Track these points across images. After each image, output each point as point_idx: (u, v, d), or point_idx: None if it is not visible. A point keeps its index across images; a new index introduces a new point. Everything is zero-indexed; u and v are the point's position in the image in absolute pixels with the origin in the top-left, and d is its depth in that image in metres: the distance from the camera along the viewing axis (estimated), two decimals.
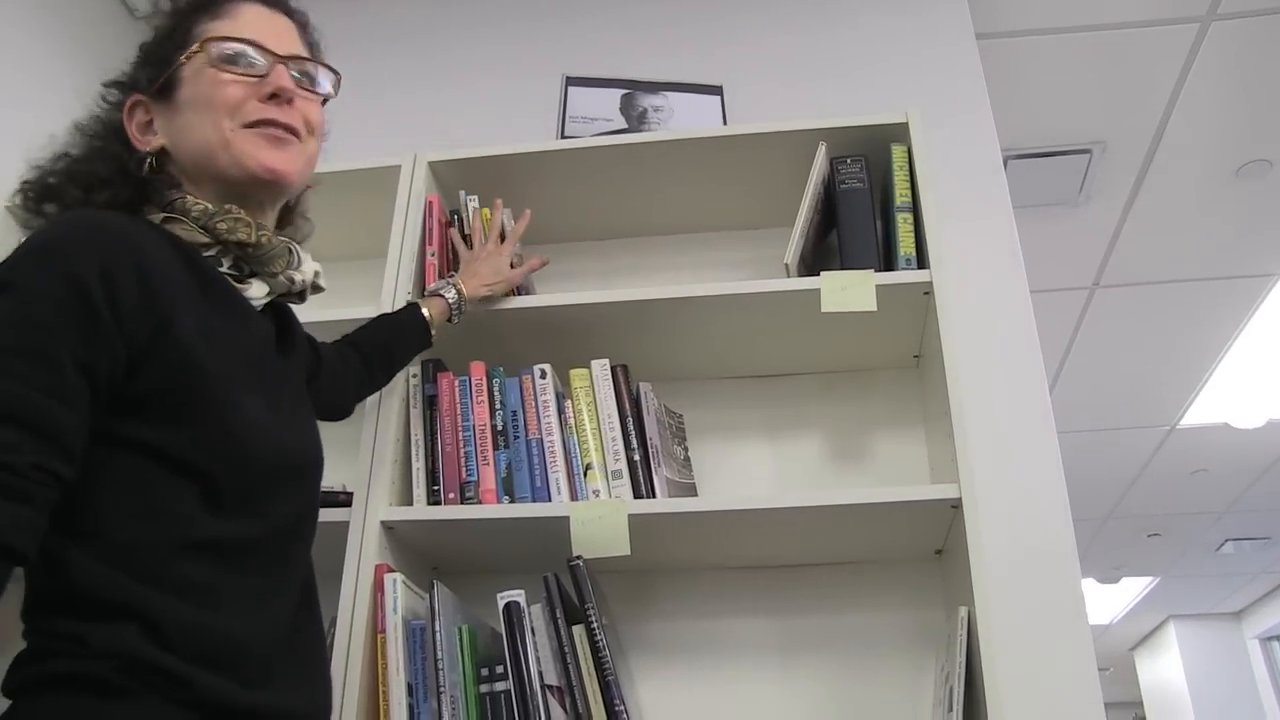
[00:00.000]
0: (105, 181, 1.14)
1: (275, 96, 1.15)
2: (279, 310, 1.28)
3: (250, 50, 1.15)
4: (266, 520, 1.07)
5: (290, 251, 1.20)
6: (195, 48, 1.15)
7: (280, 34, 1.20)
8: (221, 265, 1.14)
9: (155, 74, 1.18)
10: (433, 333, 1.71)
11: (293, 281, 1.20)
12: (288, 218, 1.32)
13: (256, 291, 1.17)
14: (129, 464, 0.98)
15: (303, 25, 1.27)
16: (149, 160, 1.16)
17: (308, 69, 1.22)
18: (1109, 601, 8.56)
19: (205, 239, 1.12)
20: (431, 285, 1.79)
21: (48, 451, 0.89)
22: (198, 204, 1.13)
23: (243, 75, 1.14)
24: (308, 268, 1.24)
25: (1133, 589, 8.28)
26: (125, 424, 0.98)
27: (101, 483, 0.97)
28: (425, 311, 1.69)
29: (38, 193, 1.17)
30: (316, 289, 1.27)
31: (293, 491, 1.13)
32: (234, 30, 1.16)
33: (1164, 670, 9.09)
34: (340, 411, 1.61)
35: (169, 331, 1.00)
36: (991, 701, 1.42)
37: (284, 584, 1.11)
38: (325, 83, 1.24)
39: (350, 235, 2.22)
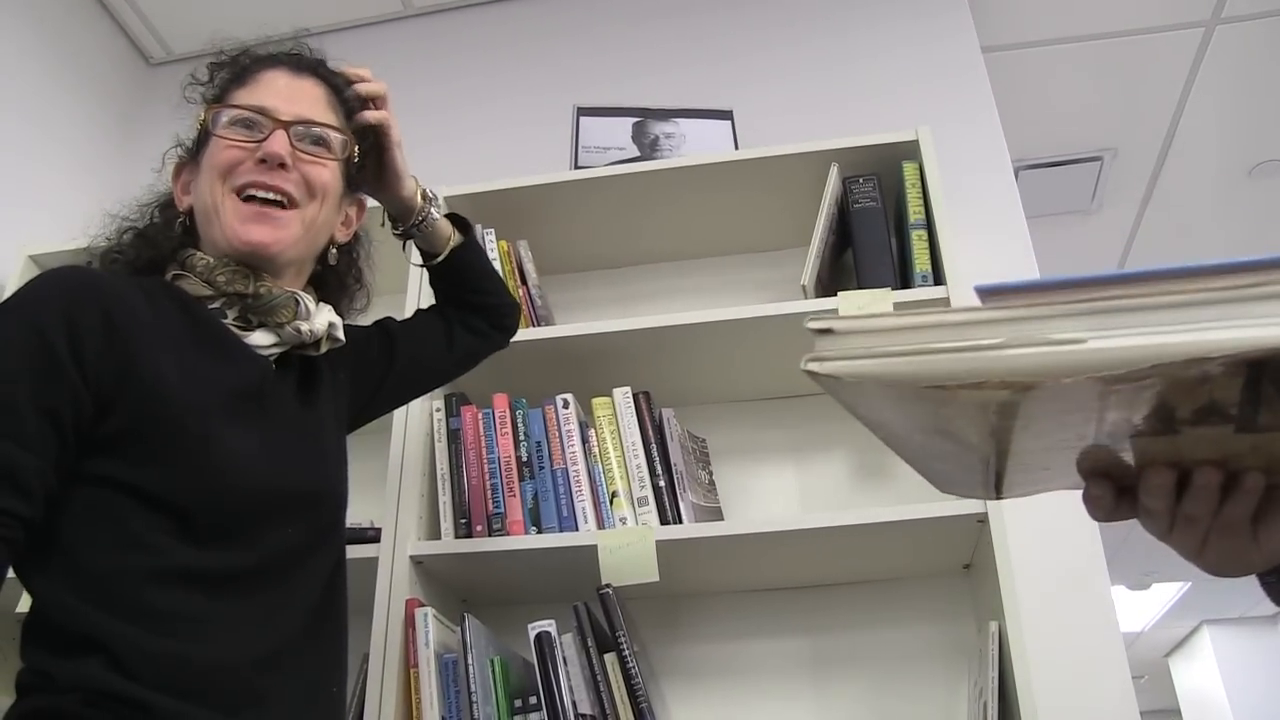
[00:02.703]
0: (137, 249, 1.22)
1: (265, 161, 1.16)
2: (306, 364, 1.28)
3: (251, 116, 1.18)
4: (255, 551, 1.07)
5: (297, 303, 1.19)
6: (205, 115, 1.21)
7: (296, 97, 1.21)
8: (226, 316, 1.16)
9: (194, 138, 1.25)
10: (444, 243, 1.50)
11: (300, 332, 1.19)
12: (330, 278, 1.34)
13: (261, 339, 1.18)
14: (102, 499, 1.01)
15: (336, 88, 1.28)
16: (181, 219, 1.23)
17: (314, 131, 1.21)
18: (1141, 608, 8.48)
19: (208, 291, 1.16)
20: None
21: (4, 492, 0.94)
22: (202, 259, 1.17)
23: (241, 140, 1.17)
24: (321, 320, 1.23)
25: (1164, 595, 8.20)
26: (98, 463, 1.01)
27: (75, 518, 1.00)
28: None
29: (103, 264, 1.24)
30: (334, 340, 1.26)
31: (286, 522, 1.12)
32: (251, 98, 1.19)
33: (1200, 677, 8.99)
34: (459, 353, 1.53)
35: (136, 373, 1.03)
36: (1026, 716, 1.41)
37: (282, 611, 1.10)
38: (334, 143, 1.23)
39: (369, 271, 2.24)
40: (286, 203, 1.17)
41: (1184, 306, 0.49)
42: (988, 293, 0.53)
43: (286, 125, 1.18)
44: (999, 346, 0.51)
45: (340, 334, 1.27)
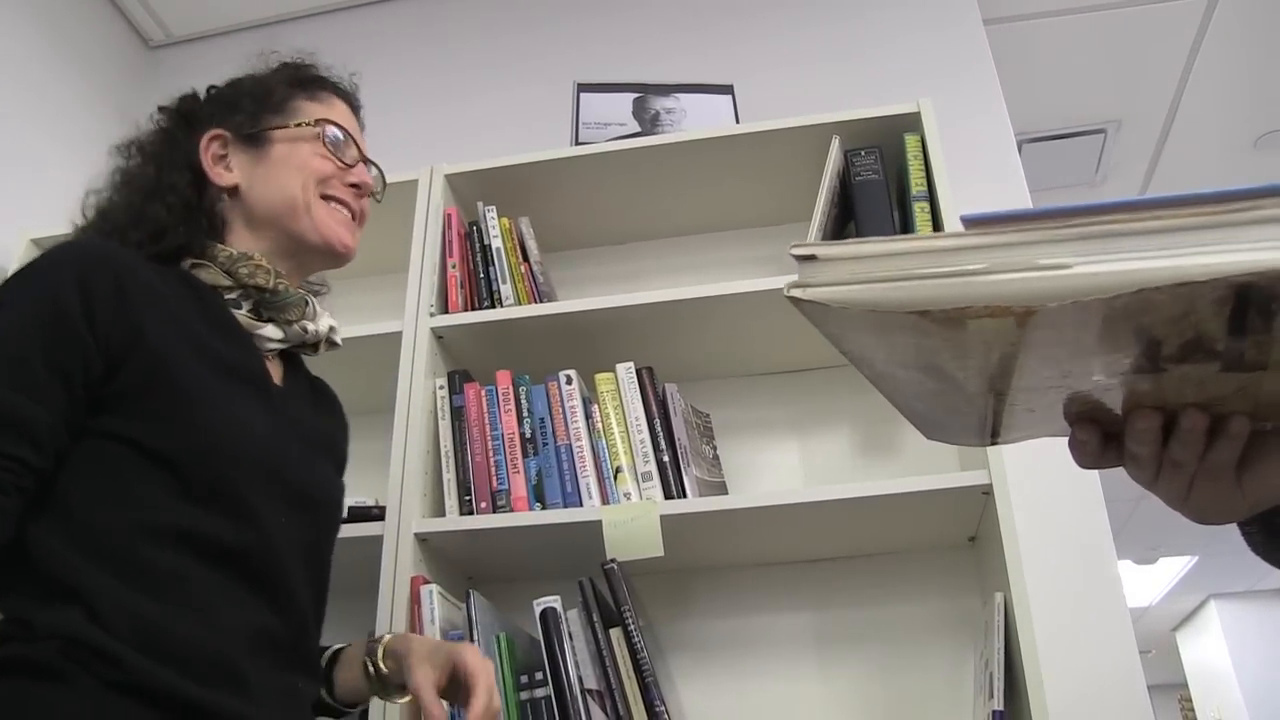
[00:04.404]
0: (163, 230, 1.20)
1: (356, 187, 1.30)
2: (316, 386, 1.38)
3: (345, 139, 1.31)
4: (253, 528, 1.07)
5: (307, 303, 1.27)
6: (311, 122, 1.29)
7: (359, 136, 1.36)
8: (241, 308, 1.21)
9: (245, 121, 1.28)
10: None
11: (305, 331, 1.26)
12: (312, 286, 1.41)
13: (270, 333, 1.22)
14: (102, 452, 1.03)
15: (362, 127, 1.40)
16: (222, 197, 1.26)
17: (377, 173, 1.38)
18: (1148, 583, 8.49)
19: (227, 282, 1.20)
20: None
21: (14, 440, 0.97)
22: (225, 250, 1.21)
23: (334, 156, 1.29)
24: (324, 322, 1.31)
25: (1171, 569, 8.21)
26: (103, 420, 1.04)
27: (74, 470, 1.02)
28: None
29: (100, 233, 1.23)
30: (332, 345, 1.34)
31: (283, 509, 1.12)
32: (333, 117, 1.31)
33: (1207, 650, 9.01)
34: None
35: (145, 338, 1.06)
36: (1032, 687, 1.42)
37: (277, 600, 1.10)
38: (379, 185, 1.40)
39: (370, 251, 2.22)
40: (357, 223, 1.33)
41: (1171, 232, 0.49)
42: (973, 221, 0.52)
43: (366, 161, 1.35)
44: (984, 272, 0.51)
45: (338, 339, 1.35)
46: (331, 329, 1.32)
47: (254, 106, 1.29)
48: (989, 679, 1.49)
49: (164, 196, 1.22)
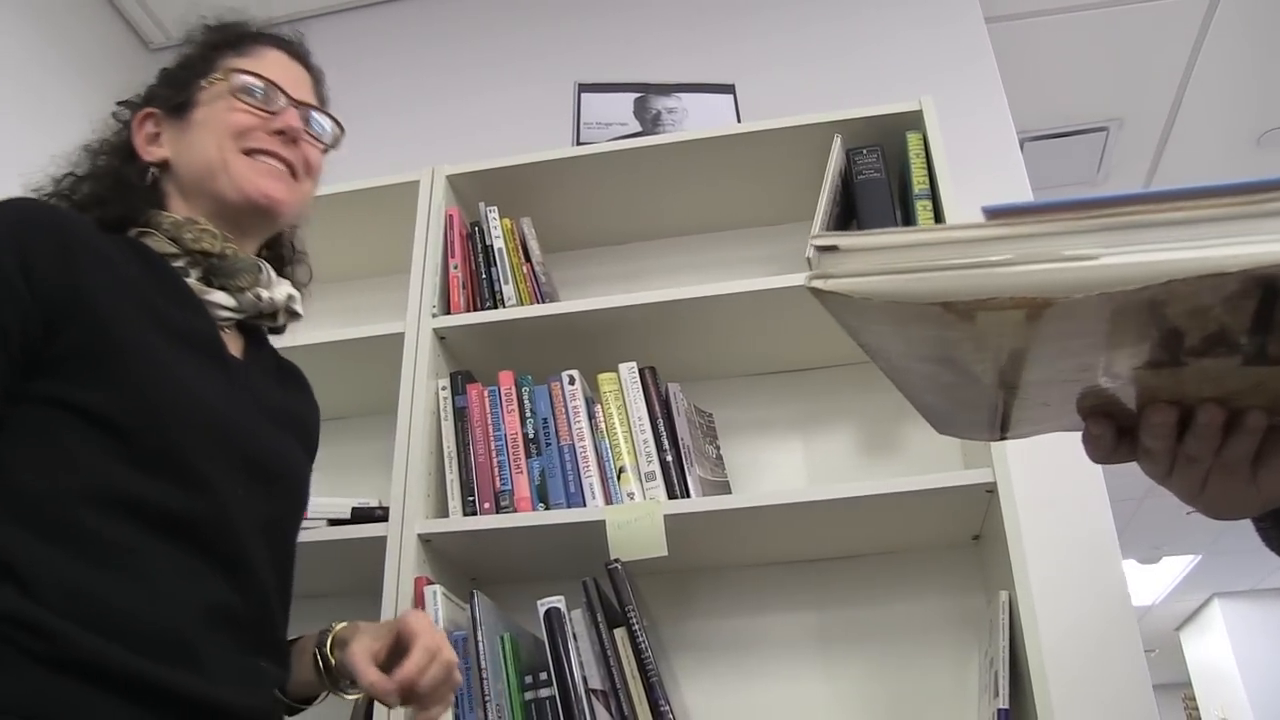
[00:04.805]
0: (100, 200, 1.18)
1: (282, 134, 1.21)
2: (284, 366, 1.31)
3: (266, 87, 1.22)
4: (204, 497, 1.01)
5: (260, 269, 1.21)
6: (219, 75, 1.22)
7: (296, 82, 1.27)
8: (189, 275, 1.15)
9: (173, 93, 1.23)
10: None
11: (260, 299, 1.19)
12: (277, 259, 1.33)
13: (220, 299, 1.16)
14: (42, 418, 0.97)
15: (318, 80, 1.33)
16: (150, 171, 1.21)
17: (317, 116, 1.28)
18: (1151, 582, 8.49)
19: (173, 249, 1.15)
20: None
21: None
22: (169, 217, 1.16)
23: (257, 108, 1.21)
24: (281, 290, 1.24)
25: (1174, 568, 8.21)
26: (43, 384, 0.98)
27: (11, 436, 0.97)
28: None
29: None
30: (293, 315, 1.27)
31: (238, 480, 1.06)
32: (257, 68, 1.23)
33: (1211, 649, 9.00)
34: None
35: (88, 298, 1.01)
36: (1037, 685, 1.41)
37: (236, 575, 1.03)
38: (329, 133, 1.30)
39: (372, 252, 2.25)
40: (292, 175, 1.23)
41: (1199, 223, 0.48)
42: (996, 212, 0.52)
43: (298, 104, 1.24)
44: (1009, 263, 0.50)
45: (299, 308, 1.28)
46: (291, 298, 1.25)
47: (183, 75, 1.24)
48: (994, 677, 1.49)
49: (98, 178, 1.20)
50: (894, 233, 0.54)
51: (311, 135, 1.27)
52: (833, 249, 0.54)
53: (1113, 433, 0.65)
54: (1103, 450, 0.66)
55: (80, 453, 0.96)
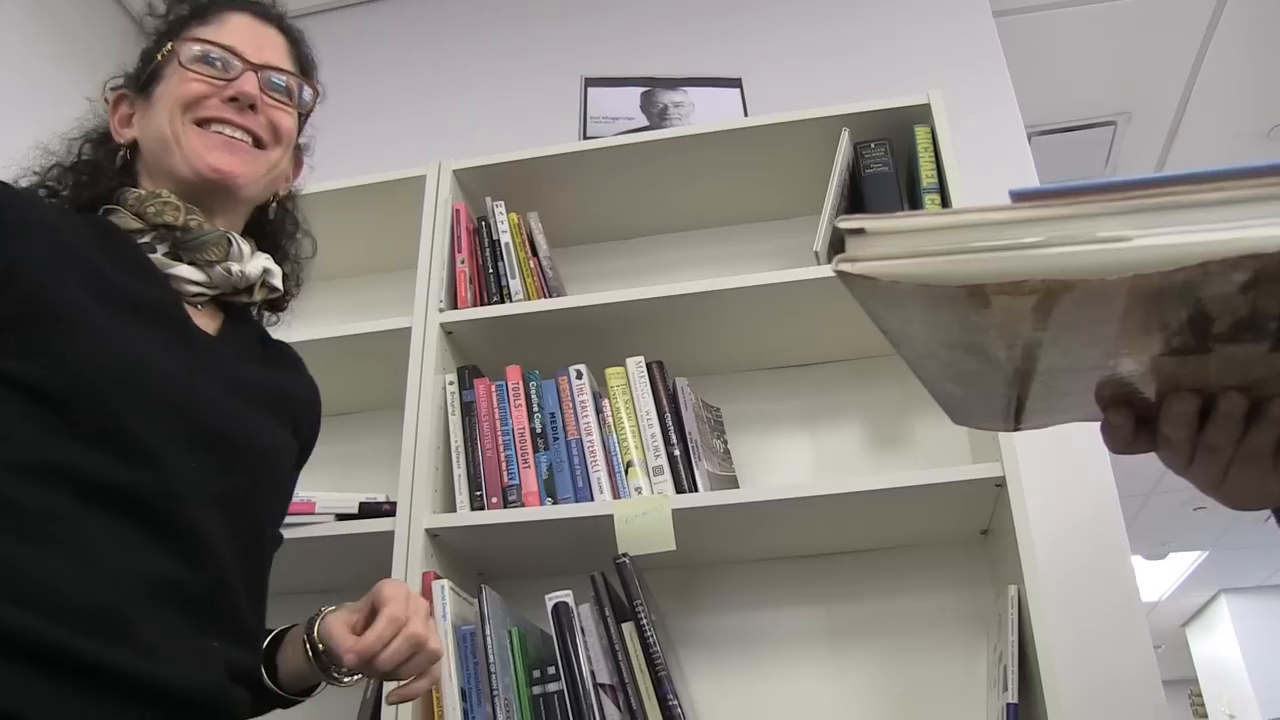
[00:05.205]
0: (75, 185, 1.16)
1: (235, 100, 1.15)
2: (271, 345, 1.27)
3: (222, 54, 1.16)
4: (149, 469, 0.96)
5: (230, 242, 1.16)
6: (169, 47, 1.17)
7: (262, 45, 1.21)
8: (155, 251, 1.12)
9: (142, 71, 1.20)
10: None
11: (230, 273, 1.15)
12: (268, 234, 1.30)
13: (187, 274, 1.13)
14: None
15: (295, 41, 1.27)
16: (122, 153, 1.18)
17: (281, 79, 1.22)
18: (1157, 578, 8.47)
19: (138, 224, 1.12)
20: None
21: None
22: (134, 192, 1.14)
23: (208, 76, 1.15)
24: (255, 264, 1.19)
25: (1181, 564, 8.19)
26: None
27: None
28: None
29: None
30: (271, 290, 1.23)
31: (190, 453, 1.01)
32: (215, 36, 1.17)
33: (1218, 646, 8.99)
34: None
35: (25, 268, 0.97)
36: (1046, 680, 1.41)
37: (182, 548, 0.97)
38: (301, 95, 1.24)
39: (379, 247, 2.25)
40: (253, 144, 1.17)
41: (1234, 204, 0.47)
42: (1023, 196, 0.51)
43: (257, 68, 1.18)
44: (1042, 245, 0.49)
45: (278, 283, 1.23)
46: (267, 272, 1.21)
47: (150, 51, 1.21)
48: (1002, 672, 1.48)
49: (75, 164, 1.18)
50: (922, 215, 0.53)
51: (274, 99, 1.20)
52: (859, 232, 0.53)
53: (1132, 422, 0.65)
54: (1122, 440, 0.65)
55: (11, 425, 0.92)
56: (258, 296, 1.21)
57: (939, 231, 0.52)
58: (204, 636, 0.98)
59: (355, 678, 1.10)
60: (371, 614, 1.08)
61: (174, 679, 0.92)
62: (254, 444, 1.12)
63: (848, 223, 0.53)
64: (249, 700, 1.08)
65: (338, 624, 1.08)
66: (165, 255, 1.12)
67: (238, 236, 1.18)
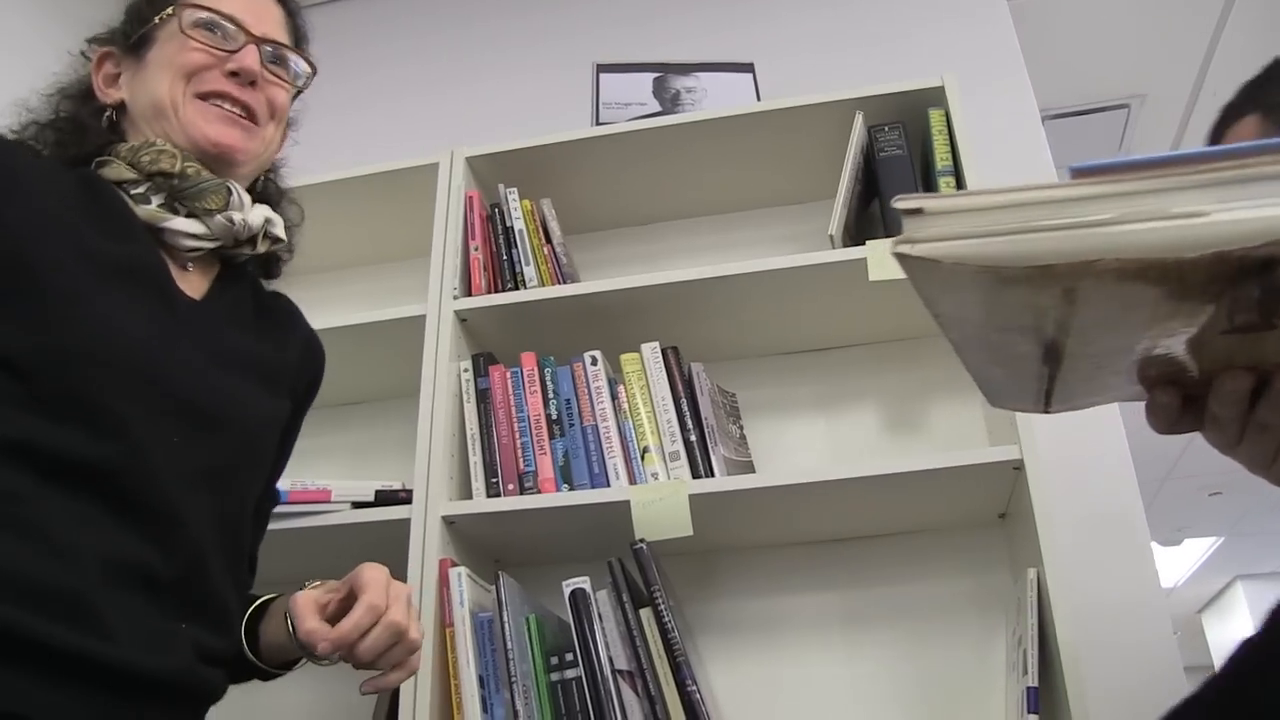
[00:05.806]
0: (59, 143, 1.13)
1: (236, 75, 1.14)
2: (266, 304, 1.25)
3: (225, 23, 1.14)
4: (119, 443, 0.93)
5: (230, 191, 1.13)
6: (171, 10, 1.15)
7: (262, 16, 1.19)
8: (149, 202, 1.09)
9: (131, 30, 1.17)
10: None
11: (232, 222, 1.12)
12: (256, 201, 1.24)
13: (187, 226, 1.10)
14: None
15: (291, 14, 1.25)
16: (108, 113, 1.16)
17: (281, 54, 1.20)
18: (1173, 564, 8.45)
19: (132, 174, 1.09)
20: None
21: None
22: (127, 144, 1.11)
23: (211, 45, 1.13)
24: (256, 213, 1.16)
25: (1196, 550, 8.16)
26: None
27: None
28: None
29: None
30: (275, 240, 1.21)
31: (167, 427, 0.98)
32: (216, 3, 1.15)
33: (1234, 632, 8.94)
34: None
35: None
36: (1067, 663, 1.40)
37: (153, 528, 0.94)
38: (298, 70, 1.23)
39: (393, 236, 2.25)
40: (250, 119, 1.16)
41: None
42: (1084, 171, 0.49)
43: (258, 41, 1.16)
44: (1114, 222, 0.47)
45: (280, 232, 1.21)
46: (269, 221, 1.18)
47: (142, 12, 1.18)
48: (1022, 655, 1.48)
49: (57, 124, 1.15)
50: (984, 193, 0.51)
51: (274, 75, 1.18)
52: (918, 212, 0.51)
53: (1179, 401, 0.64)
54: (1168, 420, 0.64)
55: None
56: (261, 248, 1.19)
57: (1002, 210, 0.50)
58: (171, 619, 0.96)
59: (335, 657, 1.05)
60: (350, 598, 1.06)
61: (136, 662, 0.89)
62: (238, 415, 1.09)
63: (905, 202, 0.51)
64: (222, 680, 1.06)
65: (305, 601, 1.04)
66: (161, 207, 1.09)
67: (237, 185, 1.15)
